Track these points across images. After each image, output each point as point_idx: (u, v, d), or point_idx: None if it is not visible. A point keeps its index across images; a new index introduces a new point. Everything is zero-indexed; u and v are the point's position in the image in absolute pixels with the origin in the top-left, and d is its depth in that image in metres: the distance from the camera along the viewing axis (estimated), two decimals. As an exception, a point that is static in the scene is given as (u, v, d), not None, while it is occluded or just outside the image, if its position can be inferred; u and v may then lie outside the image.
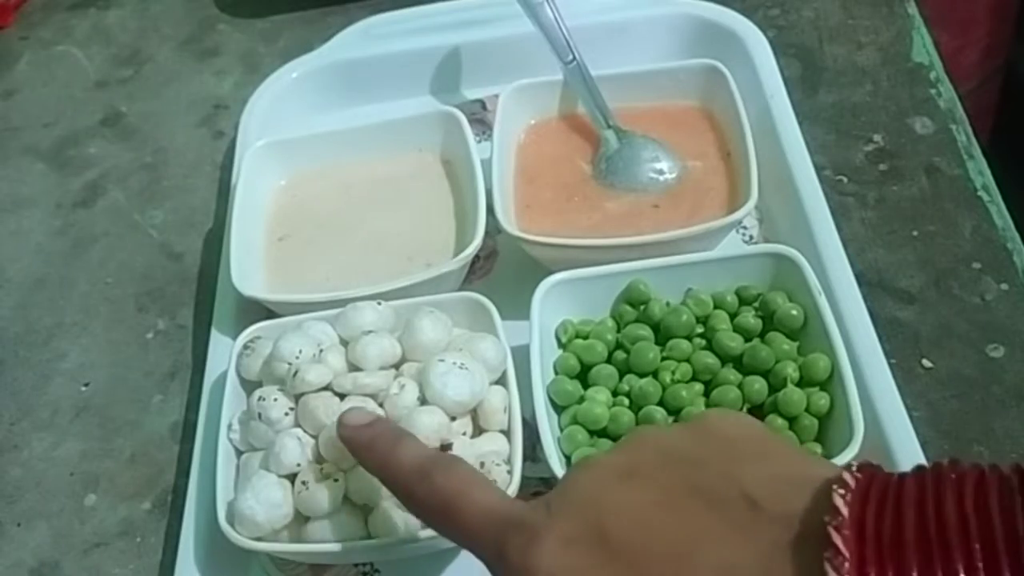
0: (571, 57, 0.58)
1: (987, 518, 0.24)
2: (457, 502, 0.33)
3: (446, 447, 0.43)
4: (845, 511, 0.25)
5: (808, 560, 0.25)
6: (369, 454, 0.38)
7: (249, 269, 0.55)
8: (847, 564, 0.24)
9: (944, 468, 0.26)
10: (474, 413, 0.45)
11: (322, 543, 0.42)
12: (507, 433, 0.45)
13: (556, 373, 0.48)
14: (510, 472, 0.43)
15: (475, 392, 0.44)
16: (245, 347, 0.49)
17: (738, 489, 0.28)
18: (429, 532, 0.42)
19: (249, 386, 0.48)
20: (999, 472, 0.25)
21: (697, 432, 0.31)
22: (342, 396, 0.45)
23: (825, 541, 0.25)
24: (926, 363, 0.51)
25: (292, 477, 0.43)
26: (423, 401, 0.44)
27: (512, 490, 0.42)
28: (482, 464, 0.42)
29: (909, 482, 0.26)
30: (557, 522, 0.30)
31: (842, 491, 0.26)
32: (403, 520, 0.42)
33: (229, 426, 0.47)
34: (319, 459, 0.44)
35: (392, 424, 0.40)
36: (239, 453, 0.47)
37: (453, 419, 0.44)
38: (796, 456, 0.30)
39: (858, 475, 0.26)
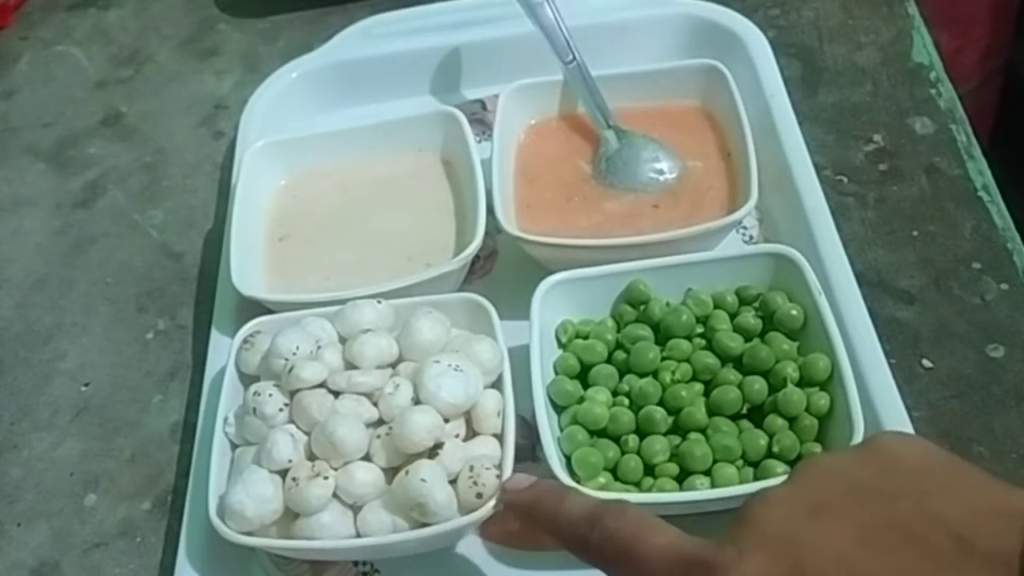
0: (571, 57, 0.58)
1: None
2: (635, 545, 0.33)
3: (437, 448, 0.43)
4: None
5: None
6: (536, 511, 0.38)
7: (249, 269, 0.55)
8: None
9: None
10: (468, 416, 0.45)
11: (311, 540, 0.42)
12: (500, 437, 0.45)
13: (556, 373, 0.48)
14: (499, 476, 0.42)
15: (469, 395, 0.44)
16: (245, 341, 0.49)
17: (942, 526, 0.27)
18: (417, 533, 0.42)
19: (248, 380, 0.48)
20: None
21: (876, 460, 0.31)
22: (336, 394, 0.45)
23: None
24: (926, 363, 0.51)
25: (284, 473, 0.43)
26: (417, 402, 0.44)
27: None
28: (471, 467, 0.42)
29: None
30: (751, 561, 0.29)
31: None
32: (391, 520, 0.42)
33: (225, 420, 0.47)
34: (311, 456, 0.44)
35: (553, 482, 0.41)
36: (234, 447, 0.47)
37: (447, 421, 0.44)
38: (988, 484, 0.29)
39: None
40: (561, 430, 0.46)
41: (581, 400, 0.47)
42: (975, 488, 0.28)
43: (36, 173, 0.70)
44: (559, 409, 0.47)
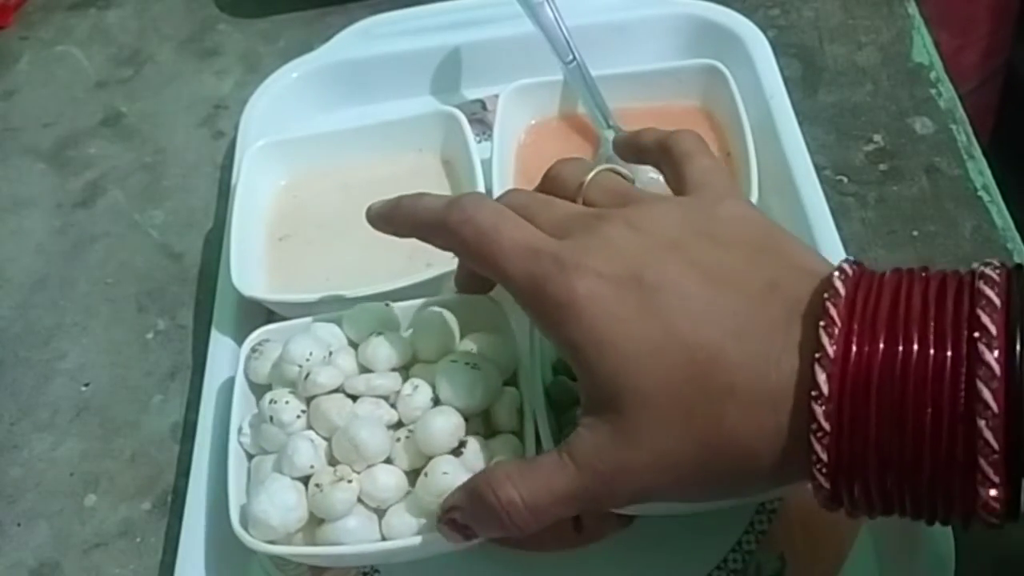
0: (571, 57, 0.58)
1: (942, 306, 0.30)
2: (492, 232, 0.37)
3: (461, 447, 0.43)
4: (842, 292, 0.31)
5: (806, 329, 0.32)
6: (398, 211, 0.42)
7: (249, 269, 0.55)
8: (837, 331, 0.30)
9: (917, 269, 0.32)
10: (486, 414, 0.45)
11: (336, 545, 0.42)
12: (519, 434, 0.45)
13: (556, 373, 0.48)
14: None
15: (488, 392, 0.44)
16: (253, 350, 0.48)
17: (762, 275, 0.34)
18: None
19: (258, 389, 0.48)
20: (959, 275, 0.31)
21: (730, 218, 0.36)
22: (354, 398, 0.45)
23: (823, 314, 0.31)
24: (926, 363, 0.51)
25: (305, 480, 0.43)
26: (436, 402, 0.44)
27: None
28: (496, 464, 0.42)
29: (891, 276, 0.32)
30: (598, 263, 0.34)
31: (841, 277, 0.32)
32: (416, 522, 0.42)
33: (239, 430, 0.46)
34: (332, 461, 0.44)
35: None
36: (249, 457, 0.46)
37: (466, 420, 0.44)
38: (807, 253, 0.36)
39: (854, 267, 0.33)
40: (561, 430, 0.46)
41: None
42: (796, 254, 0.36)
43: (36, 173, 0.70)
44: (559, 409, 0.47)
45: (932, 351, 0.29)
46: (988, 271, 0.30)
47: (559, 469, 0.35)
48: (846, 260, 0.33)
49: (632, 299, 0.33)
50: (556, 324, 0.35)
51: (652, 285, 0.33)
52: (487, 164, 0.55)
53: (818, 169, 0.56)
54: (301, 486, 0.43)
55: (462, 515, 0.38)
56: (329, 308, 0.49)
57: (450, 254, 0.54)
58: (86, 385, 0.57)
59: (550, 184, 0.42)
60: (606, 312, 0.34)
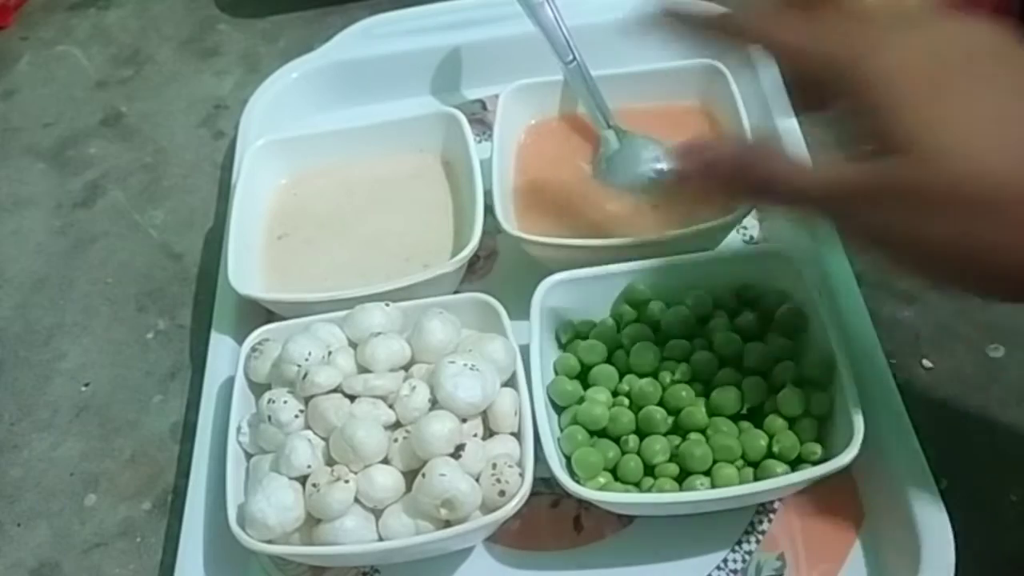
0: (571, 57, 0.58)
1: None
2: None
3: (459, 449, 0.43)
4: None
5: None
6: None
7: (247, 268, 0.55)
8: None
9: None
10: (484, 415, 0.45)
11: (333, 545, 0.42)
12: (518, 435, 0.45)
13: (556, 373, 0.48)
14: (522, 475, 0.42)
15: (487, 393, 0.44)
16: (253, 349, 0.48)
17: None
18: (438, 535, 0.42)
19: (257, 388, 0.48)
20: None
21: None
22: (352, 398, 0.45)
23: None
24: (926, 363, 0.51)
25: (302, 480, 0.43)
26: (434, 402, 0.44)
27: (524, 492, 0.42)
28: (494, 465, 0.42)
29: None
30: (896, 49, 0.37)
31: None
32: (413, 523, 0.42)
33: (238, 429, 0.46)
34: (330, 461, 0.44)
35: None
36: (248, 456, 0.46)
37: (464, 421, 0.44)
38: None
39: None
40: (561, 430, 0.46)
41: (581, 400, 0.47)
42: None
43: (36, 173, 0.70)
44: (559, 409, 0.47)
45: None
46: None
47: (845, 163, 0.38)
48: None
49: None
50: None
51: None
52: (487, 164, 0.55)
53: (818, 169, 0.56)
54: (298, 486, 0.43)
55: (740, 147, 0.40)
56: (324, 308, 0.50)
57: (448, 256, 0.54)
58: (86, 385, 0.57)
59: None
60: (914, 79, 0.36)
